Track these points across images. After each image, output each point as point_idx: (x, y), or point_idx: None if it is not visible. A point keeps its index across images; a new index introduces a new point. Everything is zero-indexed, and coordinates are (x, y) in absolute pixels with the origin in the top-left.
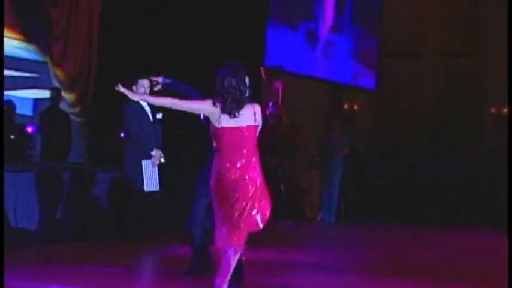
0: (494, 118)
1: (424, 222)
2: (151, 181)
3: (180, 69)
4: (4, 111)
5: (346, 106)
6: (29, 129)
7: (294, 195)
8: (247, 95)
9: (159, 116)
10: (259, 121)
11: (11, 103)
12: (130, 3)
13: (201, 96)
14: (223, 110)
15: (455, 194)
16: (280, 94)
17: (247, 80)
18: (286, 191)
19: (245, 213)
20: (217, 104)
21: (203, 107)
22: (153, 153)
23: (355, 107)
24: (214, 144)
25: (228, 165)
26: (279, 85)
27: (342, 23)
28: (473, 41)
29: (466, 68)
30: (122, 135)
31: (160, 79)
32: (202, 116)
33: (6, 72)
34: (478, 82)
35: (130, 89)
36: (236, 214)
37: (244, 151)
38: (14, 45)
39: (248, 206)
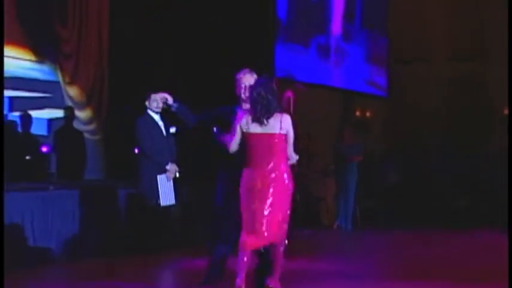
0: (506, 119)
1: (440, 226)
2: (166, 196)
3: (190, 84)
4: (19, 131)
5: (358, 113)
6: (44, 149)
7: (309, 203)
8: (275, 104)
9: (172, 130)
10: (286, 129)
11: (28, 117)
12: (140, 20)
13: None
14: (253, 118)
15: (471, 197)
16: (291, 104)
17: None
18: (302, 200)
19: (265, 223)
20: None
21: (239, 128)
22: (167, 167)
23: (367, 114)
24: (246, 151)
25: (255, 170)
26: (290, 95)
27: (352, 30)
28: (480, 46)
29: (475, 72)
30: (136, 151)
31: (173, 103)
32: (215, 129)
33: (20, 94)
34: (486, 86)
35: (143, 103)
36: (257, 222)
37: (272, 158)
38: (26, 66)
39: (269, 215)
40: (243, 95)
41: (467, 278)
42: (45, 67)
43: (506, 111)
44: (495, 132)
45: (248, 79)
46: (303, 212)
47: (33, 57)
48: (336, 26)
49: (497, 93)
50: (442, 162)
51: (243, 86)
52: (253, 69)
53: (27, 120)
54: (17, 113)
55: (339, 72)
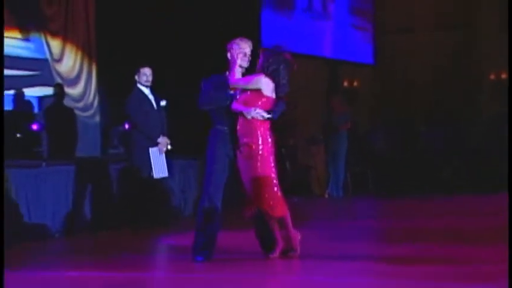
0: (493, 85)
1: (428, 191)
2: (159, 168)
3: (178, 56)
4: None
5: (346, 83)
6: (35, 127)
7: (300, 172)
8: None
9: (162, 103)
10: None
11: (21, 96)
12: None
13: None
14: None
15: (457, 162)
16: None
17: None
18: (292, 168)
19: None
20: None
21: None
22: (159, 140)
23: (355, 83)
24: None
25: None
26: None
27: None
28: (466, 14)
29: (461, 40)
30: (126, 126)
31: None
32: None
33: (8, 72)
34: (472, 54)
35: (132, 78)
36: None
37: None
38: (13, 44)
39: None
40: (240, 62)
41: (458, 240)
42: (32, 45)
43: (492, 77)
44: (482, 99)
45: (246, 47)
46: (293, 181)
47: (20, 35)
48: None
49: (483, 61)
50: (429, 129)
51: (242, 53)
52: (240, 36)
53: (19, 98)
54: (10, 92)
55: (323, 38)
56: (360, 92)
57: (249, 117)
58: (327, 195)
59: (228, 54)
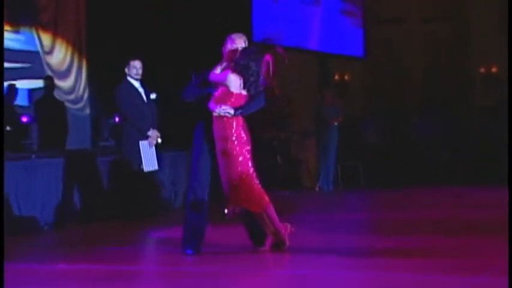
0: (484, 78)
1: (420, 184)
2: (149, 161)
3: (168, 48)
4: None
5: (337, 76)
6: (25, 119)
7: (291, 165)
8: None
9: (153, 96)
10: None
11: (13, 88)
12: None
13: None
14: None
15: (449, 154)
16: (270, 67)
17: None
18: (283, 162)
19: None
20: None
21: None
22: (149, 133)
23: (346, 76)
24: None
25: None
26: (268, 58)
27: None
28: (458, 4)
29: (452, 32)
30: (116, 119)
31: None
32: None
33: None
34: (464, 45)
35: (123, 71)
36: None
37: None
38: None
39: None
40: (229, 56)
41: (450, 233)
42: (23, 37)
43: (482, 70)
44: (472, 91)
45: (241, 42)
46: (284, 175)
47: (10, 27)
48: None
49: (475, 52)
50: (420, 121)
51: (233, 48)
52: (231, 27)
53: (12, 91)
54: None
55: (315, 22)
56: (351, 85)
57: (216, 114)
58: (317, 189)
59: (223, 49)
